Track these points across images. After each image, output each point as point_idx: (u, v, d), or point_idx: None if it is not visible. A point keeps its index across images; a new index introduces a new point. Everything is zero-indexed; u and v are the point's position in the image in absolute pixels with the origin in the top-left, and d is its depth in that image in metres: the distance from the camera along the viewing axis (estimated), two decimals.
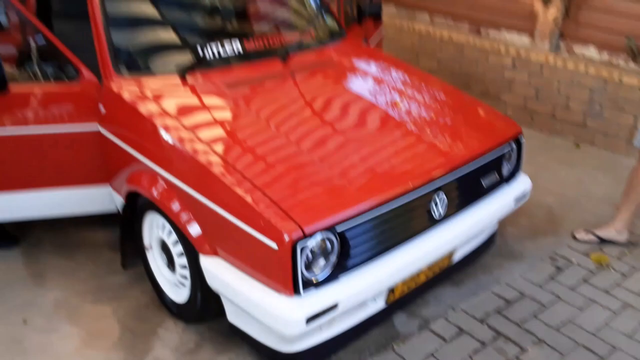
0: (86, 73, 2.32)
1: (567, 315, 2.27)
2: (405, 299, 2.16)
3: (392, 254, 1.94)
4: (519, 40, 4.17)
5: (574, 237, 2.73)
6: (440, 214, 2.05)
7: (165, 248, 2.23)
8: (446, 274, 2.30)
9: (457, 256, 2.28)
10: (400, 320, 2.24)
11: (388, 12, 5.12)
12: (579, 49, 3.87)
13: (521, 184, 2.41)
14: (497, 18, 4.27)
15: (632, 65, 3.58)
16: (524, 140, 2.39)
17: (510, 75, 4.10)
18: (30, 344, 2.16)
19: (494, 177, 2.29)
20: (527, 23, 4.09)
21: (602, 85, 3.59)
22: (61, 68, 2.41)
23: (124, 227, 2.39)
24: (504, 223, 2.74)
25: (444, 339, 2.15)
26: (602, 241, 2.68)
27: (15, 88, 2.26)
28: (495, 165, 2.28)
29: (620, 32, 3.55)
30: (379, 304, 2.05)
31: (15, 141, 2.33)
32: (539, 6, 3.96)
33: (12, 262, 2.58)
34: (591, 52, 3.81)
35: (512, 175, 2.40)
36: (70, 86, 2.33)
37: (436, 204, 2.03)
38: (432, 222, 2.05)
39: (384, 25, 4.65)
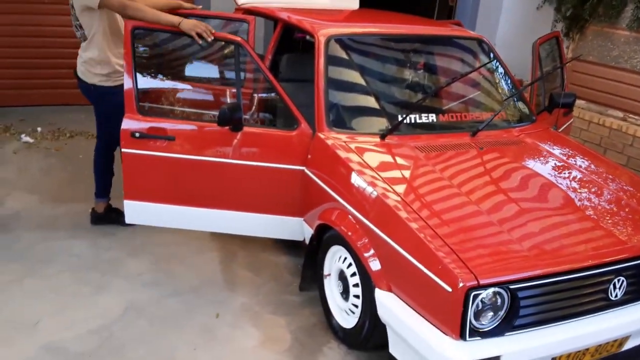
0: (304, 125, 2.79)
1: None
2: None
3: (562, 325, 1.98)
4: None
5: None
6: (617, 296, 2.04)
7: (342, 278, 2.53)
8: None
9: (629, 345, 2.19)
10: None
11: (577, 104, 5.10)
12: None
13: None
14: None
15: None
16: None
17: None
18: (219, 334, 2.58)
19: None
20: None
21: None
22: (282, 119, 2.94)
23: (308, 255, 2.76)
24: None
25: None
26: None
27: (247, 129, 2.82)
28: None
29: None
30: None
31: (238, 169, 2.85)
32: None
33: (211, 267, 3.12)
34: None
35: None
36: (290, 133, 2.80)
37: (614, 287, 2.03)
38: (607, 304, 2.05)
39: (573, 117, 4.66)
